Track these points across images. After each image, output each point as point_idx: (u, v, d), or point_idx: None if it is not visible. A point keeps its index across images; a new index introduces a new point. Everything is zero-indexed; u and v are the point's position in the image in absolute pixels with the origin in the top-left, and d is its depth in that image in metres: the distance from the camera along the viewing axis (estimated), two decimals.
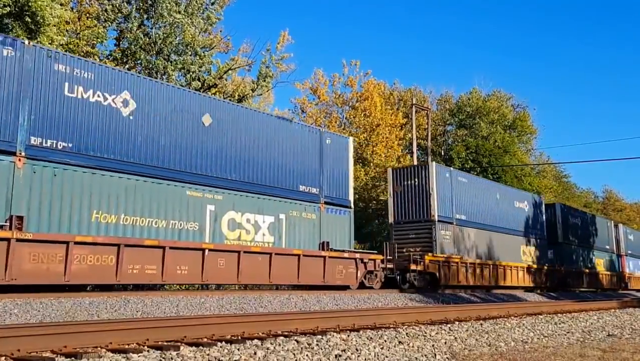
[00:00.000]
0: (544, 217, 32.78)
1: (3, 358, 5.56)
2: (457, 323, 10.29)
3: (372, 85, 41.68)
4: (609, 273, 40.44)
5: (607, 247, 41.36)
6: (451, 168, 27.22)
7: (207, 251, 15.39)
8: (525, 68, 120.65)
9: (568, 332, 10.55)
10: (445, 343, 8.20)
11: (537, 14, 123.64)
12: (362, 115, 40.05)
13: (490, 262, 26.44)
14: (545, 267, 31.42)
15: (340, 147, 20.59)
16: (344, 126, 41.20)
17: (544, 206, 33.14)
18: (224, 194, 16.45)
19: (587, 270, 36.68)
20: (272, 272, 16.89)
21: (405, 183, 24.70)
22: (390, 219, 24.82)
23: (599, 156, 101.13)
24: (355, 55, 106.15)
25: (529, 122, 55.34)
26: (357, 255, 19.84)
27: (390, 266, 21.19)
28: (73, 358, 5.71)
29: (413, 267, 21.80)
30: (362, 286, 19.99)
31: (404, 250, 23.07)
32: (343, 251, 19.29)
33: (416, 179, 24.39)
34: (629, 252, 45.47)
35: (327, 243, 18.92)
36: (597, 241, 39.56)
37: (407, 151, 43.70)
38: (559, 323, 11.59)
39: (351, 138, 21.76)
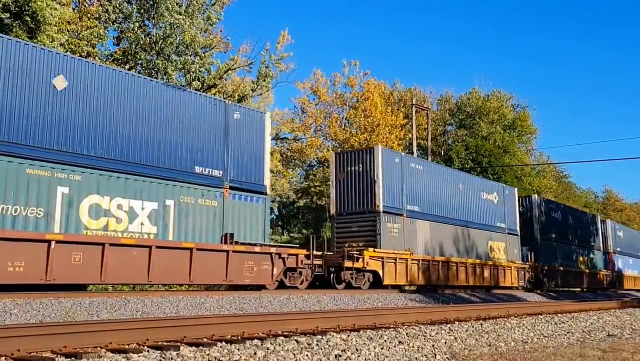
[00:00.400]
0: (517, 210, 30.51)
1: (3, 358, 5.56)
2: (457, 323, 10.29)
3: (373, 85, 41.69)
4: (594, 271, 38.44)
5: (593, 244, 39.38)
6: (403, 153, 24.74)
7: (53, 243, 12.50)
8: (525, 68, 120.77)
9: (568, 332, 10.55)
10: (445, 343, 8.20)
11: (537, 15, 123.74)
12: (362, 115, 40.05)
13: (451, 259, 24.08)
14: (515, 264, 29.00)
15: (254, 123, 17.74)
16: (344, 126, 41.22)
17: (517, 198, 30.90)
18: (83, 174, 13.61)
19: (569, 269, 34.58)
20: (152, 269, 14.13)
21: (349, 169, 21.82)
22: (332, 210, 22.09)
23: (599, 156, 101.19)
24: (355, 55, 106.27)
25: (529, 122, 55.41)
26: (273, 249, 17.00)
27: (318, 262, 18.58)
28: (73, 358, 5.71)
29: (348, 264, 19.20)
30: (282, 285, 17.59)
31: (346, 245, 20.42)
32: (254, 244, 16.57)
33: (360, 165, 21.56)
34: (618, 249, 43.72)
35: (232, 235, 16.15)
36: (582, 238, 37.48)
37: (407, 151, 43.70)
38: (559, 323, 11.59)
39: (268, 113, 18.86)
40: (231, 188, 16.68)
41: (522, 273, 29.35)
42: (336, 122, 40.93)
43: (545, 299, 25.02)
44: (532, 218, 32.08)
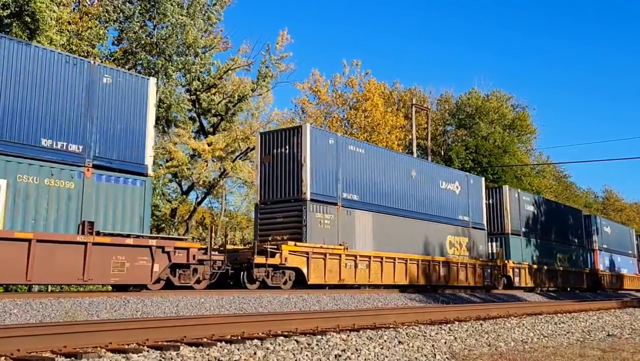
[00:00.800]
0: (483, 202, 27.58)
1: (3, 358, 5.56)
2: (456, 323, 10.29)
3: (374, 86, 41.71)
4: (575, 269, 35.54)
5: (576, 240, 36.43)
6: (339, 134, 21.26)
7: None
8: (525, 68, 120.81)
9: (568, 332, 10.56)
10: (445, 343, 8.20)
11: (537, 14, 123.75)
12: (363, 116, 40.07)
13: (394, 255, 20.96)
14: (479, 262, 25.92)
15: (132, 90, 14.74)
16: (344, 127, 41.23)
17: (484, 189, 27.96)
18: None
19: (545, 266, 31.65)
20: None
21: (275, 151, 19.01)
22: (257, 199, 19.51)
23: (599, 156, 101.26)
24: (355, 55, 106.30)
25: (529, 122, 55.44)
26: (152, 242, 14.00)
27: (218, 258, 15.83)
28: (73, 358, 5.71)
29: (260, 260, 16.41)
30: (169, 285, 14.77)
31: (270, 238, 18.02)
32: (126, 235, 13.68)
33: (287, 147, 18.75)
34: (604, 246, 40.97)
35: (91, 223, 13.17)
36: (563, 234, 34.70)
37: (407, 151, 43.73)
38: (559, 323, 11.60)
39: (152, 80, 15.54)
40: (95, 166, 13.67)
41: (488, 271, 26.47)
42: (337, 122, 40.94)
43: (545, 300, 25.03)
44: (502, 211, 29.23)
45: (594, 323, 12.30)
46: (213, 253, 15.85)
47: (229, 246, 18.72)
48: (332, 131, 38.11)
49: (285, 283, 17.57)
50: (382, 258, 20.45)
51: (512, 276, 28.20)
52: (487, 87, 58.46)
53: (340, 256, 18.76)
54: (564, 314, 13.88)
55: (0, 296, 11.10)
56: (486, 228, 27.68)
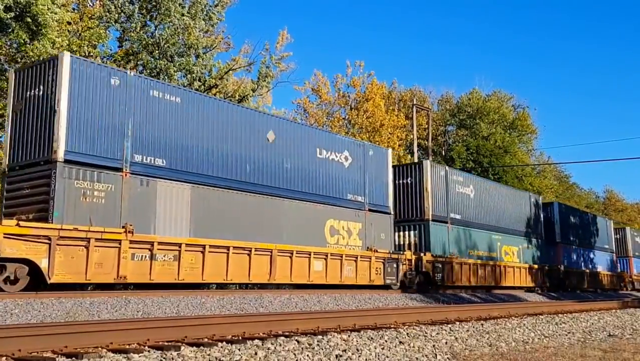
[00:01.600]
0: (389, 179, 21.53)
1: (4, 358, 5.56)
2: (457, 323, 10.29)
3: (376, 87, 41.75)
4: (485, 263, 25.96)
5: (524, 230, 29.71)
6: (132, 73, 15.01)
7: None
8: (526, 68, 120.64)
9: (569, 332, 10.56)
10: (446, 343, 8.20)
11: (537, 15, 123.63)
12: (365, 116, 40.08)
13: (229, 243, 15.23)
14: (377, 254, 19.76)
15: None
16: (346, 127, 41.25)
17: (389, 162, 21.71)
18: None
19: (474, 261, 24.82)
20: None
21: (28, 94, 13.79)
22: (4, 163, 14.13)
23: (600, 156, 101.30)
24: (355, 55, 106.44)
25: (529, 122, 55.47)
26: None
27: None
28: (74, 358, 5.71)
29: None
30: None
31: (14, 216, 12.81)
32: None
33: (42, 87, 13.48)
34: (559, 239, 33.03)
35: None
36: (501, 221, 27.77)
37: (408, 151, 43.77)
38: (560, 324, 11.60)
39: None
40: None
41: (393, 265, 20.28)
42: (338, 122, 40.96)
43: (546, 300, 25.03)
44: (421, 192, 22.94)
45: (595, 323, 12.30)
46: None
47: None
48: (334, 131, 37.60)
49: (5, 282, 11.73)
50: (203, 248, 14.62)
51: (432, 273, 21.89)
52: (488, 88, 58.67)
53: (120, 243, 13.00)
54: (565, 314, 13.89)
55: (1, 297, 11.11)
56: (392, 212, 21.59)
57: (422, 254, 21.87)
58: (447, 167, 25.49)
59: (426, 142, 42.81)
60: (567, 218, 34.58)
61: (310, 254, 17.48)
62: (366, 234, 20.20)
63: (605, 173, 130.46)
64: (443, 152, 52.28)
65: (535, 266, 29.69)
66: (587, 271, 35.80)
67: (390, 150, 22.61)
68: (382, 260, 20.00)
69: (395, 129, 40.32)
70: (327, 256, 18.08)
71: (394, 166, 23.14)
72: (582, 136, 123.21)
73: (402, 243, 23.05)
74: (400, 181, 23.58)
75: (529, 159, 55.53)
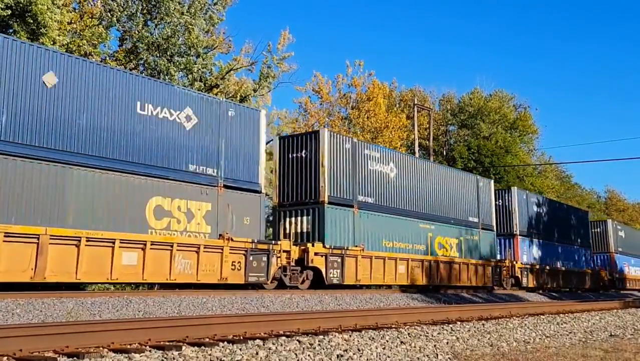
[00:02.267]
0: (262, 147, 17.14)
1: (5, 358, 5.57)
2: (459, 323, 10.29)
3: (377, 87, 41.72)
4: (408, 258, 21.13)
5: (468, 220, 25.16)
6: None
7: None
8: (527, 68, 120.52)
9: (570, 332, 10.55)
10: (447, 343, 8.20)
11: (538, 14, 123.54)
12: (366, 116, 40.05)
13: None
14: (233, 244, 15.41)
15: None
16: (347, 127, 41.24)
17: (264, 126, 17.18)
18: None
19: (384, 254, 19.92)
20: None
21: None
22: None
23: (602, 156, 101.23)
24: (357, 55, 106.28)
25: (531, 122, 55.43)
26: None
27: None
28: (75, 358, 5.72)
29: None
30: None
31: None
32: None
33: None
34: (518, 232, 28.92)
35: None
36: (435, 207, 23.29)
37: (409, 151, 43.73)
38: (561, 323, 11.59)
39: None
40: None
41: (262, 259, 15.87)
42: (339, 121, 40.94)
43: (547, 300, 25.01)
44: (317, 168, 18.46)
45: (597, 323, 12.29)
46: None
47: None
48: (335, 130, 37.82)
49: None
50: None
51: (325, 270, 17.57)
52: (489, 87, 58.47)
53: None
54: (566, 314, 13.88)
55: (2, 296, 11.12)
56: (264, 190, 17.26)
57: (309, 245, 17.29)
58: (356, 140, 20.67)
59: (427, 142, 42.79)
60: (530, 207, 30.41)
61: (114, 242, 12.89)
62: (219, 218, 15.44)
63: (606, 173, 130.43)
64: (444, 152, 52.26)
65: (479, 261, 24.95)
66: (548, 268, 30.80)
67: (263, 112, 17.81)
68: (243, 252, 15.47)
69: (396, 130, 40.29)
70: (145, 245, 13.41)
71: (284, 136, 19.98)
72: (582, 136, 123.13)
73: (295, 232, 18.39)
74: (293, 155, 19.06)
75: (530, 159, 55.50)
